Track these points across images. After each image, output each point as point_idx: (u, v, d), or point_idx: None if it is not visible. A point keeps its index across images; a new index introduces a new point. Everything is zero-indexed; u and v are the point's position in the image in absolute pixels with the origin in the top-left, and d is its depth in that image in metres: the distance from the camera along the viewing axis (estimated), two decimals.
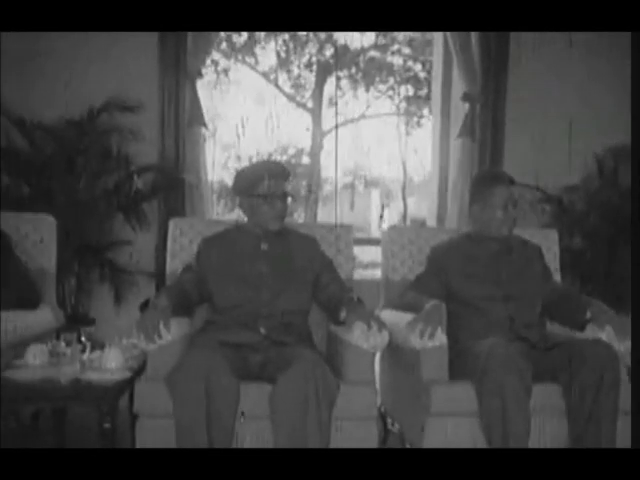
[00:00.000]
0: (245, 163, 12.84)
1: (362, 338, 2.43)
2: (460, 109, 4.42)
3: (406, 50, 11.00)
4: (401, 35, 10.47)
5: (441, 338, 2.49)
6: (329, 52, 10.68)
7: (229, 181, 12.10)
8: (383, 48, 11.12)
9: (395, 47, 11.06)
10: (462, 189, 4.25)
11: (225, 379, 2.28)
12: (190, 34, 3.91)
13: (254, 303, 2.59)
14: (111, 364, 2.49)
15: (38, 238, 2.96)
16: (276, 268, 2.65)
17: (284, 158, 12.71)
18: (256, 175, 2.62)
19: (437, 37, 4.75)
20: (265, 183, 2.59)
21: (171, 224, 3.00)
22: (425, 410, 2.48)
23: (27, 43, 3.90)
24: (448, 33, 4.28)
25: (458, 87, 4.43)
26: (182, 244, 2.92)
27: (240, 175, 2.70)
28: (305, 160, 12.92)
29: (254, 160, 12.77)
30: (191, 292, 2.63)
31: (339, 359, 2.57)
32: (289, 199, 2.65)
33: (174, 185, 4.00)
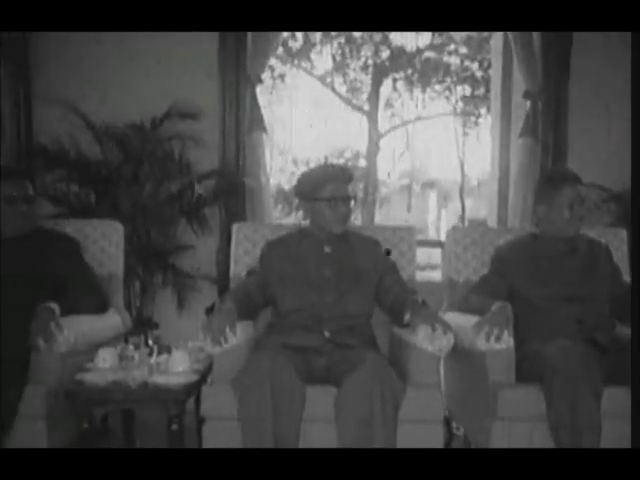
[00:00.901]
0: (301, 167, 12.92)
1: (427, 340, 2.41)
2: (521, 107, 4.35)
3: (463, 49, 10.90)
4: (458, 34, 10.38)
5: (508, 340, 2.46)
6: (385, 54, 10.66)
7: (286, 185, 12.21)
8: (439, 48, 11.05)
9: (452, 47, 10.97)
10: (525, 189, 4.17)
11: (291, 382, 2.29)
12: (250, 39, 3.94)
13: (318, 306, 2.60)
14: (178, 367, 2.53)
15: (106, 244, 3.04)
16: (339, 271, 2.66)
17: (340, 161, 12.73)
18: (319, 178, 2.63)
19: (496, 35, 4.68)
20: (328, 186, 2.60)
21: (234, 229, 3.04)
22: (491, 414, 2.45)
23: (95, 50, 4.01)
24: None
25: (519, 85, 4.36)
26: (246, 248, 2.96)
27: (303, 179, 2.72)
28: (361, 162, 12.92)
29: (310, 164, 12.85)
30: (255, 296, 2.65)
31: (403, 362, 2.55)
32: (352, 202, 2.66)
33: (235, 190, 4.04)
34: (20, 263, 2.76)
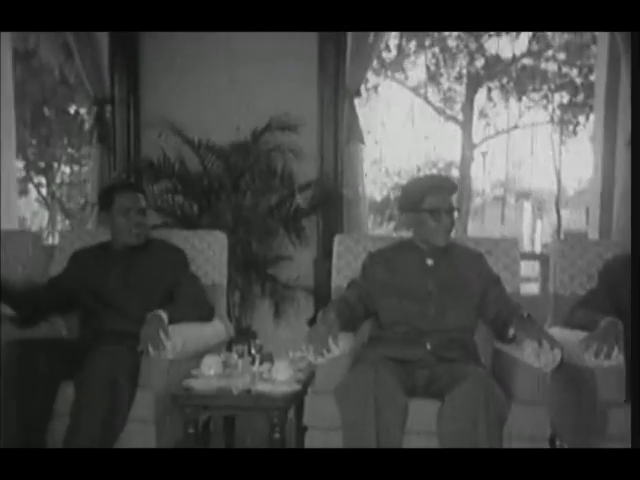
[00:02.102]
0: (394, 178, 12.89)
1: (533, 356, 2.35)
2: (629, 114, 4.18)
3: (561, 55, 10.58)
4: (556, 39, 10.09)
5: (618, 357, 2.36)
6: (479, 63, 10.50)
7: (378, 196, 12.20)
8: (536, 55, 10.77)
9: (549, 53, 10.67)
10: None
11: (394, 395, 2.29)
12: (349, 52, 3.98)
13: (420, 319, 2.58)
14: (281, 376, 2.56)
15: (211, 254, 3.12)
16: (442, 284, 2.63)
17: (433, 171, 12.61)
18: (423, 189, 2.61)
19: (601, 37, 4.52)
20: (432, 197, 2.58)
21: (336, 240, 3.06)
22: (600, 433, 2.36)
23: (198, 69, 4.15)
24: (615, 32, 4.05)
25: (626, 90, 4.18)
26: (347, 260, 2.97)
27: (406, 189, 2.71)
28: (454, 173, 12.76)
29: (402, 175, 12.79)
30: (356, 307, 2.66)
31: (508, 377, 2.49)
32: (455, 214, 2.63)
33: (333, 201, 4.07)
34: (132, 272, 2.88)
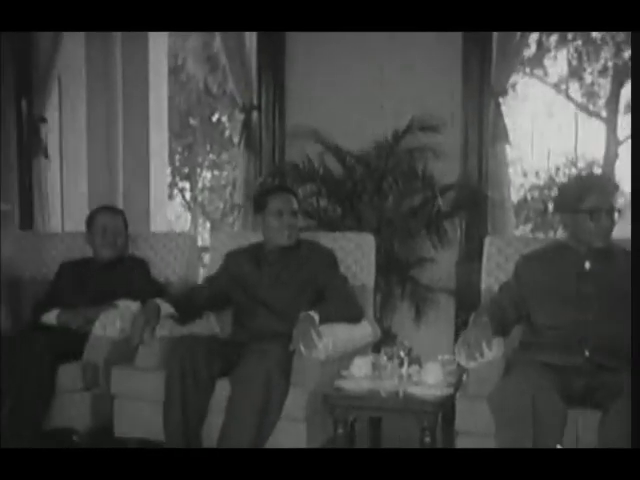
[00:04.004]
0: (531, 178, 12.46)
1: None
2: None
3: None
4: None
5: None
6: (627, 54, 9.92)
7: (515, 197, 11.83)
8: None
9: None
10: None
11: (553, 402, 2.21)
12: (495, 50, 3.89)
13: (577, 324, 2.47)
14: (431, 379, 2.54)
15: (360, 255, 3.15)
16: (602, 289, 2.50)
17: (573, 171, 12.08)
18: (582, 188, 2.51)
19: None
20: (591, 197, 2.47)
21: (487, 242, 3.00)
22: None
23: (339, 72, 4.21)
24: None
25: None
26: (498, 262, 2.90)
27: (564, 189, 2.62)
28: (596, 172, 12.15)
29: (540, 175, 12.33)
30: (509, 310, 2.59)
31: None
32: (616, 214, 2.50)
33: (477, 203, 4.00)
34: (284, 273, 2.96)
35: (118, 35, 4.96)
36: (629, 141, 12.00)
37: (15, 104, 4.90)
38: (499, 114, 4.00)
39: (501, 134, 4.01)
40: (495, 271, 2.91)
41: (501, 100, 4.01)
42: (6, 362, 2.89)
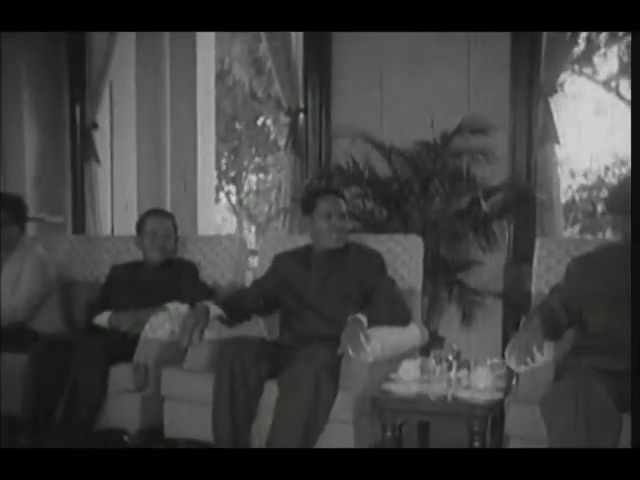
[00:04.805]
0: (580, 179, 12.23)
1: None
2: None
3: None
4: None
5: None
6: None
7: (562, 198, 11.60)
8: None
9: None
10: None
11: (607, 408, 2.16)
12: (544, 49, 3.84)
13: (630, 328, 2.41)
14: (481, 383, 2.52)
15: (407, 258, 3.13)
16: None
17: (623, 171, 11.82)
18: None
19: None
20: None
21: (537, 244, 2.96)
22: None
23: (384, 75, 4.21)
24: None
25: None
26: (548, 264, 2.86)
27: (617, 190, 2.58)
28: None
29: (589, 176, 12.09)
30: (560, 314, 2.54)
31: None
32: None
33: (525, 205, 3.94)
34: (332, 276, 2.97)
35: (167, 40, 5.05)
36: None
37: (69, 111, 5.03)
38: (548, 114, 3.94)
39: (550, 134, 3.95)
40: (546, 274, 2.86)
41: (550, 99, 3.95)
42: (60, 364, 2.96)
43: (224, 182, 10.23)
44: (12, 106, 4.95)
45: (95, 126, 5.02)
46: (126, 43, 4.95)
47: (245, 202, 10.74)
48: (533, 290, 2.91)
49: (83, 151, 5.06)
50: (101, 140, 5.14)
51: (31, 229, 4.33)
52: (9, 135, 4.97)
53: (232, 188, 10.55)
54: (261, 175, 10.39)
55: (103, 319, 3.24)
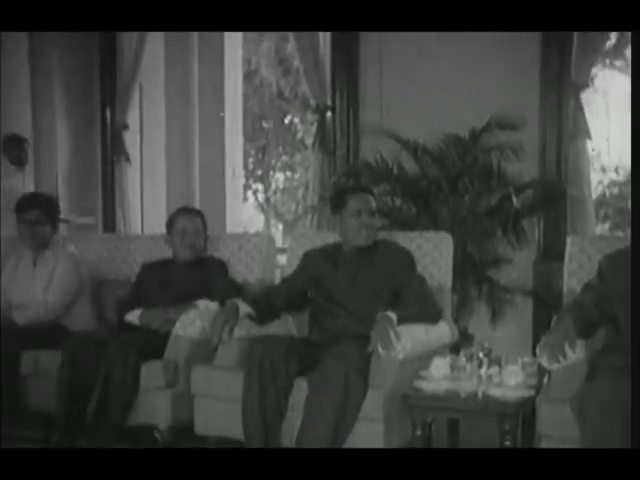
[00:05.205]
0: (611, 174, 12.06)
1: None
2: None
3: None
4: None
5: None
6: None
7: (593, 194, 11.43)
8: None
9: None
10: None
11: None
12: (575, 44, 3.80)
13: None
14: (512, 381, 2.50)
15: (437, 255, 3.12)
16: None
17: None
18: None
19: None
20: None
21: (569, 241, 2.93)
22: None
23: (414, 73, 4.20)
24: None
25: None
26: (580, 262, 2.83)
27: None
28: None
29: (620, 172, 11.90)
30: (592, 312, 2.51)
31: None
32: None
33: (556, 201, 3.90)
34: (362, 273, 2.96)
35: (195, 42, 5.10)
36: None
37: (100, 112, 5.10)
38: (579, 108, 3.90)
39: (581, 129, 3.92)
40: (577, 271, 2.83)
41: (581, 94, 3.91)
42: (92, 361, 3.00)
43: (251, 181, 10.27)
44: (45, 107, 5.03)
45: (125, 126, 5.09)
46: (155, 45, 5.00)
47: (272, 200, 10.77)
48: (564, 288, 2.88)
49: (113, 151, 5.12)
50: (131, 140, 5.20)
51: (61, 229, 4.39)
52: (42, 136, 5.06)
53: (259, 186, 10.59)
54: (288, 173, 10.41)
55: (134, 317, 3.27)
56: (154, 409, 3.03)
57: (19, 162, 4.93)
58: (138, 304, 3.32)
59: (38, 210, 3.49)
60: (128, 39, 4.93)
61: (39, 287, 3.46)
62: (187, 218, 3.41)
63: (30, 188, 4.93)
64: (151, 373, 3.01)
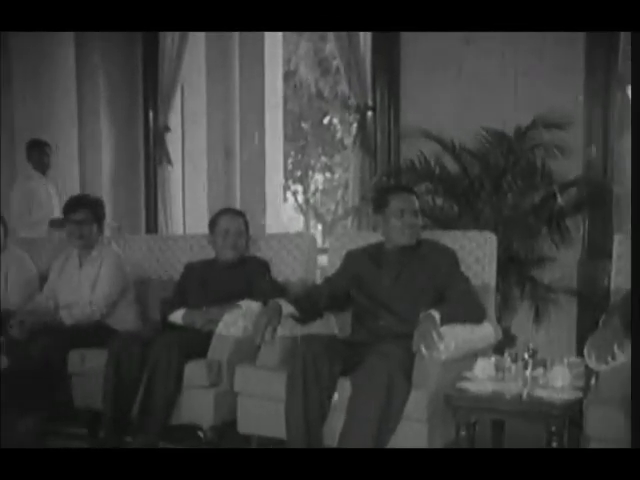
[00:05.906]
0: None
1: None
2: None
3: None
4: None
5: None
6: None
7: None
8: None
9: None
10: None
11: None
12: (622, 39, 3.73)
13: None
14: (558, 382, 2.46)
15: (481, 254, 3.07)
16: None
17: None
18: None
19: None
20: None
21: (616, 240, 2.89)
22: None
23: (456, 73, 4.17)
24: None
25: None
26: (629, 260, 2.76)
27: None
28: None
29: None
30: None
31: None
32: None
33: (602, 199, 3.83)
34: (405, 273, 2.94)
35: (236, 43, 5.13)
36: None
37: (143, 115, 5.18)
38: (627, 104, 3.82)
39: (627, 125, 3.83)
40: (625, 269, 2.77)
41: (628, 89, 3.83)
42: (137, 360, 3.04)
43: (291, 181, 10.32)
44: (90, 112, 5.13)
45: (167, 129, 5.15)
46: (196, 46, 5.06)
47: (312, 201, 10.80)
48: (612, 286, 2.83)
49: (156, 153, 5.19)
50: (173, 142, 5.26)
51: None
52: (87, 139, 5.15)
53: (299, 187, 10.63)
54: (327, 174, 10.43)
55: (177, 316, 3.31)
56: (197, 408, 3.05)
57: (42, 167, 5.02)
58: (181, 304, 3.35)
59: (86, 210, 3.56)
60: (170, 41, 4.99)
61: (85, 287, 3.53)
62: (230, 218, 3.43)
63: (52, 193, 5.02)
64: (194, 372, 3.04)
